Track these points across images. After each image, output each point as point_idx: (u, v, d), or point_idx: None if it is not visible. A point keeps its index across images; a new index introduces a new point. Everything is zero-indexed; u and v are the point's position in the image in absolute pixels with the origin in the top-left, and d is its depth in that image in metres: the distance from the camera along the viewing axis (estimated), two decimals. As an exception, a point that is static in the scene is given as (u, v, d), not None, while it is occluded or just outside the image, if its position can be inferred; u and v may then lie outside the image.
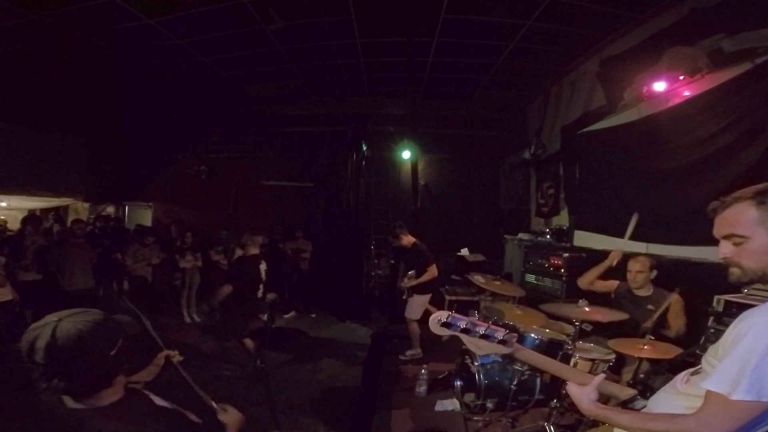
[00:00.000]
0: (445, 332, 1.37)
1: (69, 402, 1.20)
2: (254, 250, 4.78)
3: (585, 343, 3.29)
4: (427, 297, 5.12)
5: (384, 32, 5.90)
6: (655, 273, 3.41)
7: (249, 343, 4.49)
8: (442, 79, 7.62)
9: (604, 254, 5.03)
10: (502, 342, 1.37)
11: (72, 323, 1.18)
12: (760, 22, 3.37)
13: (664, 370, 1.49)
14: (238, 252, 5.88)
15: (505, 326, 1.39)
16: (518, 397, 3.06)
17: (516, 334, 1.40)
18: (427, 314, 4.88)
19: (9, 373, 4.36)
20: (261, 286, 4.69)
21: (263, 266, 4.75)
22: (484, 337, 1.36)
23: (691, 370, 1.27)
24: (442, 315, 1.37)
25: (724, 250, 1.19)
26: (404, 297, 5.12)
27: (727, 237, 1.18)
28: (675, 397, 1.23)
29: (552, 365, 1.49)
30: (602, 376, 1.36)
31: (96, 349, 1.18)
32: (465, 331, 1.36)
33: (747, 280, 1.16)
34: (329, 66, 7.15)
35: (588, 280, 3.68)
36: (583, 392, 1.31)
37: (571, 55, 6.19)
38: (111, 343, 1.21)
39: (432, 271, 4.97)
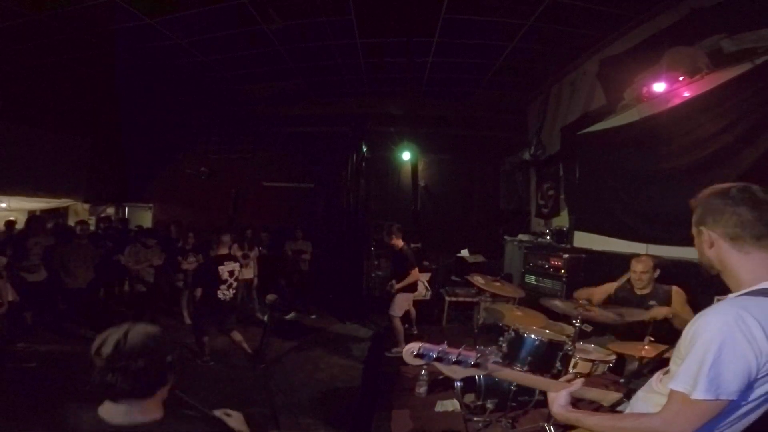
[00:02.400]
0: (420, 362, 1.40)
1: (110, 417, 1.24)
2: (222, 250, 4.82)
3: (585, 344, 3.29)
4: (410, 296, 5.47)
5: (384, 32, 5.90)
6: (658, 272, 3.42)
7: (205, 340, 4.83)
8: (442, 79, 7.62)
9: (604, 255, 5.09)
10: (476, 366, 1.39)
11: (142, 327, 1.30)
12: (760, 22, 3.36)
13: (645, 372, 1.51)
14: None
15: (476, 349, 1.42)
16: (518, 398, 3.06)
17: (489, 356, 1.42)
18: (407, 312, 5.59)
19: (9, 373, 4.38)
20: (223, 287, 4.65)
21: (226, 267, 4.69)
22: (458, 363, 1.38)
23: (666, 369, 1.29)
24: (413, 347, 1.40)
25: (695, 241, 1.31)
26: (392, 292, 5.43)
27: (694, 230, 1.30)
28: (651, 397, 1.26)
29: (531, 380, 1.51)
30: (579, 382, 1.38)
31: (157, 351, 1.27)
32: (438, 359, 1.39)
33: (704, 268, 1.28)
34: (329, 66, 7.15)
35: (586, 294, 3.63)
36: (554, 397, 1.35)
37: (571, 55, 6.19)
38: (170, 350, 1.32)
39: (413, 275, 5.31)
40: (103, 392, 1.23)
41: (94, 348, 1.23)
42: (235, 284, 4.80)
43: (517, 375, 1.51)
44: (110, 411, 1.24)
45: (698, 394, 1.03)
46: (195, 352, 4.94)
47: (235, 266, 4.82)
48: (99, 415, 1.24)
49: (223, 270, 4.65)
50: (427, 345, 1.39)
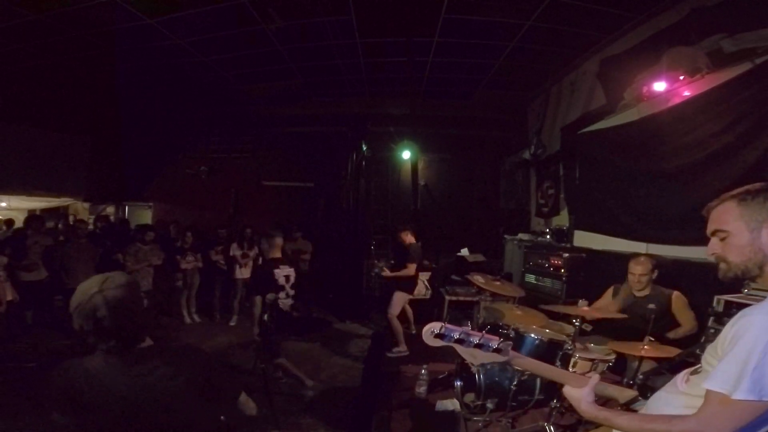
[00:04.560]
0: (439, 343, 1.36)
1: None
2: (275, 253, 4.30)
3: (585, 343, 3.29)
4: (407, 295, 5.41)
5: (384, 32, 5.90)
6: (656, 273, 3.40)
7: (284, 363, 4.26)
8: (442, 79, 7.61)
9: (604, 254, 5.09)
10: (497, 351, 1.35)
11: (113, 290, 1.34)
12: (760, 22, 3.37)
13: (664, 370, 1.49)
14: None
15: (499, 334, 1.39)
16: (518, 398, 3.06)
17: (511, 342, 1.38)
18: (403, 312, 5.49)
19: (9, 373, 4.38)
20: (282, 294, 4.18)
21: (281, 271, 4.23)
22: (479, 346, 1.35)
23: (691, 369, 1.26)
24: (435, 326, 1.36)
25: (712, 247, 1.25)
26: (374, 272, 5.47)
27: (714, 233, 1.24)
28: (676, 397, 1.23)
29: (549, 371, 1.48)
30: (597, 377, 1.36)
31: (137, 306, 1.38)
32: (459, 341, 1.35)
33: (732, 275, 1.20)
34: (329, 66, 7.15)
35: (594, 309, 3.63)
36: (580, 394, 1.32)
37: (571, 55, 6.19)
38: (141, 299, 1.43)
39: (408, 270, 5.25)
40: (108, 350, 1.32)
41: (86, 317, 1.29)
42: (292, 293, 4.27)
43: (536, 365, 1.47)
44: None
45: (740, 395, 1.00)
46: (279, 381, 4.35)
47: (291, 271, 4.29)
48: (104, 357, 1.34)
49: (279, 274, 4.20)
50: (449, 326, 1.35)
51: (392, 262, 7.50)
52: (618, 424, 1.21)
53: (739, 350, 1.03)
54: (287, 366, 4.30)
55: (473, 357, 1.38)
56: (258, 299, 4.06)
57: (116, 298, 1.32)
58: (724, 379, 1.04)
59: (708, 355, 1.18)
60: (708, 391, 1.07)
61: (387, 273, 5.37)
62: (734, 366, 1.03)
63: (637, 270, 3.38)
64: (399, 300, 5.31)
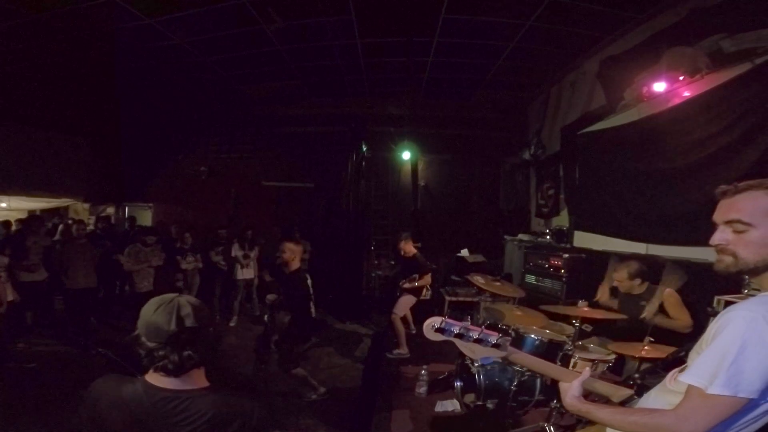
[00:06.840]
0: (439, 337, 1.37)
1: (163, 385, 1.22)
2: (297, 263, 4.11)
3: (585, 344, 3.29)
4: (414, 298, 5.42)
5: (384, 32, 5.89)
6: (638, 281, 3.39)
7: (301, 372, 4.09)
8: (442, 79, 7.61)
9: (604, 255, 5.08)
10: (496, 346, 1.37)
11: (189, 297, 1.29)
12: (760, 22, 3.36)
13: (660, 369, 1.49)
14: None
15: (498, 330, 1.41)
16: (518, 398, 3.06)
17: (509, 338, 1.40)
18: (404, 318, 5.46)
19: (9, 373, 4.38)
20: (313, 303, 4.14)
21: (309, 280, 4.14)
22: (478, 341, 1.36)
23: (681, 367, 1.26)
24: (435, 321, 1.37)
25: (722, 236, 1.15)
26: (398, 294, 5.45)
27: (729, 222, 1.14)
28: (665, 395, 1.23)
29: (546, 367, 1.48)
30: (588, 372, 1.35)
31: (209, 320, 1.30)
32: (459, 336, 1.36)
33: (736, 270, 1.12)
34: (329, 66, 7.15)
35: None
36: (566, 388, 1.32)
37: (571, 55, 6.18)
38: (213, 320, 1.36)
39: (427, 279, 5.36)
40: (170, 368, 1.20)
41: (171, 321, 1.19)
42: None
43: (534, 361, 1.48)
44: (162, 380, 1.22)
45: (715, 389, 0.99)
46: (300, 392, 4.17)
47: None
48: (149, 382, 1.22)
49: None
50: (449, 320, 1.36)
51: (392, 262, 7.51)
52: (599, 418, 1.21)
53: (718, 345, 1.02)
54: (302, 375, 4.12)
55: (472, 352, 1.39)
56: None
57: (197, 302, 1.27)
58: (701, 373, 1.03)
59: (693, 352, 1.17)
60: (688, 386, 1.06)
61: (409, 285, 5.33)
62: (711, 360, 1.02)
63: (616, 276, 3.46)
64: (406, 303, 5.33)
